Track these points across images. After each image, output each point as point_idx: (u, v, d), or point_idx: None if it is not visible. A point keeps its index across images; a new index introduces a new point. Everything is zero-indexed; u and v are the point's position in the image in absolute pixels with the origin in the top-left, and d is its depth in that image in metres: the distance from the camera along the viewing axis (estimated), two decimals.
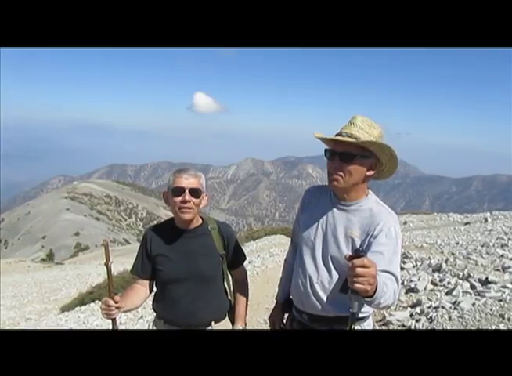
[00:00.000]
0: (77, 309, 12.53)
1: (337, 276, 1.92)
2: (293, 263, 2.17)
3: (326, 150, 1.90)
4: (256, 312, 6.19)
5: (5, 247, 72.10)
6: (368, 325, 2.01)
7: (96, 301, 12.15)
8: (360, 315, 1.95)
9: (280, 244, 14.40)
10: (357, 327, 1.94)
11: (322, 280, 1.95)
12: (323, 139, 1.91)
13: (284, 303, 2.31)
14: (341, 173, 1.83)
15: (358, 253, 1.45)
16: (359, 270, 1.42)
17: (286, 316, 2.32)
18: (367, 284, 1.44)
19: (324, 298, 1.94)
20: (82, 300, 13.24)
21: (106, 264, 1.95)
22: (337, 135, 1.87)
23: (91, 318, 10.42)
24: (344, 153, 1.81)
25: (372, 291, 1.49)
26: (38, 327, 10.74)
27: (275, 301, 2.40)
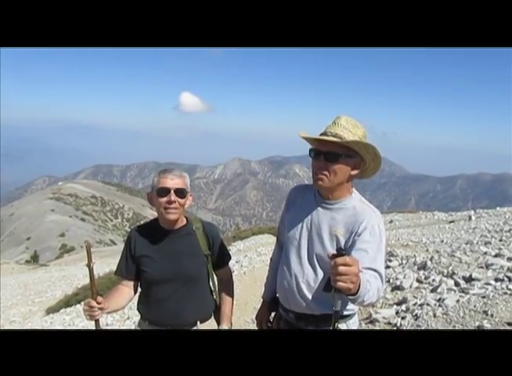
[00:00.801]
0: (62, 310, 12.39)
1: (323, 275, 1.93)
2: (279, 262, 2.17)
3: (310, 150, 1.91)
4: (243, 312, 6.19)
5: None
6: (353, 323, 2.02)
7: (82, 303, 11.96)
8: (345, 313, 1.96)
9: (268, 244, 14.42)
10: (342, 325, 1.96)
11: (307, 279, 1.95)
12: (308, 139, 1.92)
13: (270, 302, 2.32)
14: (326, 172, 1.84)
15: (340, 252, 1.46)
16: (341, 268, 1.42)
17: (273, 314, 2.32)
18: (349, 283, 1.44)
19: (310, 296, 1.95)
20: (68, 302, 13.10)
21: (88, 265, 1.93)
22: (321, 134, 1.88)
23: (77, 320, 10.31)
24: (328, 153, 1.82)
25: (355, 289, 1.50)
26: None
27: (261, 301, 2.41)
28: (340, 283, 1.44)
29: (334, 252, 1.48)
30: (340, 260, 1.43)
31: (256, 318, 2.40)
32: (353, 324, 2.02)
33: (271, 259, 2.39)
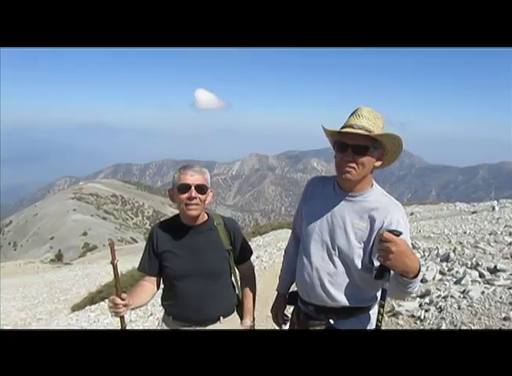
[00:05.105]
0: (87, 308, 12.65)
1: (345, 268, 1.92)
2: (295, 254, 2.18)
3: (335, 142, 1.88)
4: (265, 307, 6.19)
5: (14, 249, 72.63)
6: (374, 313, 2.02)
7: (106, 300, 12.21)
8: (365, 304, 1.98)
9: (287, 239, 14.35)
10: (365, 315, 1.99)
11: (328, 272, 1.95)
12: (333, 132, 1.89)
13: (286, 294, 2.33)
14: (354, 165, 1.82)
15: (393, 232, 1.59)
16: (385, 245, 1.57)
17: (289, 307, 2.32)
18: (387, 258, 1.58)
19: (331, 289, 1.94)
20: (92, 299, 13.36)
21: (113, 263, 1.96)
22: (345, 127, 1.84)
23: (102, 317, 10.51)
24: (357, 146, 1.80)
25: (413, 273, 1.62)
26: (50, 327, 10.84)
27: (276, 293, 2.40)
28: (380, 258, 1.61)
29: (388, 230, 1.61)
30: (387, 236, 1.58)
31: (271, 311, 2.41)
32: (373, 315, 2.02)
33: (285, 251, 2.39)
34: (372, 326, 1.99)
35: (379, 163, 1.89)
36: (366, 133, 1.78)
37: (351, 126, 1.82)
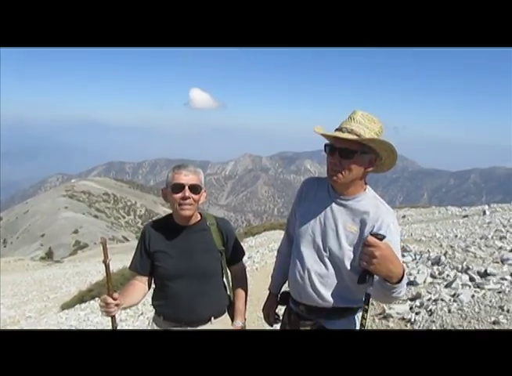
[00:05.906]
0: (77, 306, 12.56)
1: (335, 269, 1.93)
2: (287, 254, 2.18)
3: (325, 145, 1.89)
4: (256, 308, 6.19)
5: (4, 246, 72.02)
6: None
7: (96, 299, 12.17)
8: (353, 305, 1.99)
9: (279, 240, 14.36)
10: (355, 317, 2.00)
11: (320, 273, 1.96)
12: (323, 135, 1.90)
13: (278, 293, 2.34)
14: (341, 169, 1.82)
15: (377, 236, 1.57)
16: (366, 249, 1.57)
17: (280, 307, 2.33)
18: (371, 264, 1.57)
19: (322, 290, 1.95)
20: (82, 298, 13.28)
21: (105, 261, 1.95)
22: (337, 130, 1.85)
23: (92, 315, 10.44)
24: (343, 150, 1.80)
25: (397, 277, 1.63)
26: (39, 326, 10.76)
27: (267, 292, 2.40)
28: (363, 263, 1.60)
29: (371, 234, 1.61)
30: (370, 240, 1.57)
31: (263, 310, 2.41)
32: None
33: (278, 251, 2.39)
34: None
35: (370, 168, 1.88)
36: (352, 137, 1.77)
37: (340, 129, 1.83)
